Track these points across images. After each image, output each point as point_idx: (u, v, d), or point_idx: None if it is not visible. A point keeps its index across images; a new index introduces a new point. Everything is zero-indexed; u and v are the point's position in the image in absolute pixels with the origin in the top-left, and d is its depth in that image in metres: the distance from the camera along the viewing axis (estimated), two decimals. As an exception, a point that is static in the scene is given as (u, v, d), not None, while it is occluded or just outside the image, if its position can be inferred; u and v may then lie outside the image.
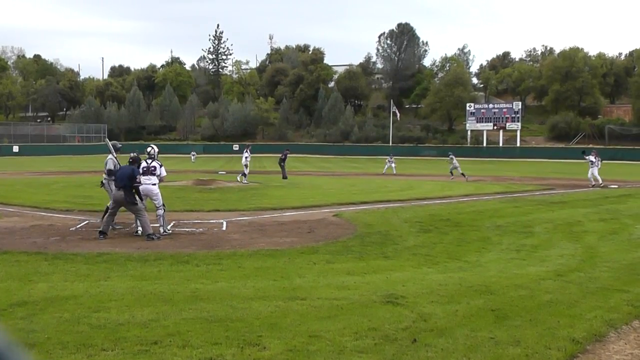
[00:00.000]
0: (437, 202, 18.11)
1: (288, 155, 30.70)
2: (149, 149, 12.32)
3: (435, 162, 52.19)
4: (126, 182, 11.15)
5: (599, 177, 25.66)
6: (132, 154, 12.06)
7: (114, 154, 12.67)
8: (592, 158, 25.92)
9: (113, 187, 12.59)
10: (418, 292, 7.03)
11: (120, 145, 13.35)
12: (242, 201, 17.88)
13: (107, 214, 11.53)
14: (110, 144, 12.90)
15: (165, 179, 12.87)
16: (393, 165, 35.50)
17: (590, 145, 62.94)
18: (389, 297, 6.73)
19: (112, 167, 12.48)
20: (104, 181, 12.66)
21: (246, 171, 25.99)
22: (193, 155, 53.54)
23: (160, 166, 12.19)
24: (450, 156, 31.45)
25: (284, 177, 28.46)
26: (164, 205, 11.91)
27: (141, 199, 11.42)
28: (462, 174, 30.07)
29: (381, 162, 51.39)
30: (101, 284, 7.30)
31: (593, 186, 25.14)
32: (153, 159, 12.07)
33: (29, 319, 5.82)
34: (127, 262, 8.74)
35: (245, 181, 25.33)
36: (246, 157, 26.09)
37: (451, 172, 30.73)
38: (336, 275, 8.06)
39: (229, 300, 6.54)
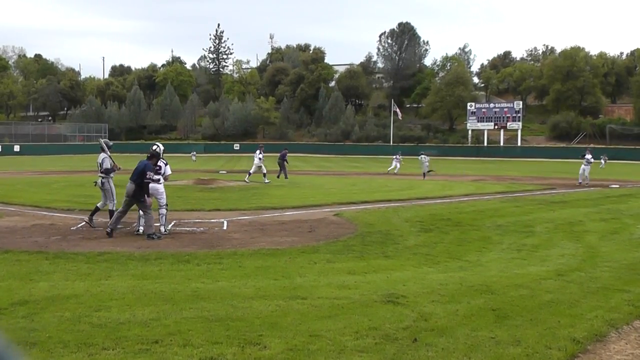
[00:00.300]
0: (438, 202, 18.12)
1: (287, 154, 30.71)
2: (154, 147, 12.30)
3: (436, 162, 52.06)
4: (137, 177, 11.16)
5: (584, 176, 26.18)
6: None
7: (108, 152, 12.63)
8: (589, 157, 26.20)
9: (112, 185, 12.56)
10: (419, 291, 7.03)
11: (112, 144, 13.29)
12: (243, 200, 17.89)
13: (117, 213, 11.46)
14: (102, 142, 12.85)
15: (169, 178, 12.89)
16: (398, 165, 35.39)
17: (591, 145, 63.02)
18: (390, 296, 6.73)
19: (109, 166, 12.45)
20: (102, 180, 12.54)
21: (256, 170, 25.88)
22: (193, 154, 53.56)
23: (166, 164, 12.21)
24: (422, 156, 31.45)
25: (285, 177, 28.46)
26: (166, 204, 11.92)
27: (148, 195, 11.38)
28: (424, 173, 30.72)
29: (383, 161, 51.44)
30: (102, 283, 7.30)
31: (580, 184, 25.69)
32: (158, 158, 12.07)
33: (30, 317, 5.83)
34: (128, 262, 8.74)
35: (247, 180, 25.29)
36: (260, 159, 26.03)
37: (424, 174, 30.89)
38: (337, 274, 8.06)
39: (230, 300, 6.54)
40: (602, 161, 44.95)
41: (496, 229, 12.56)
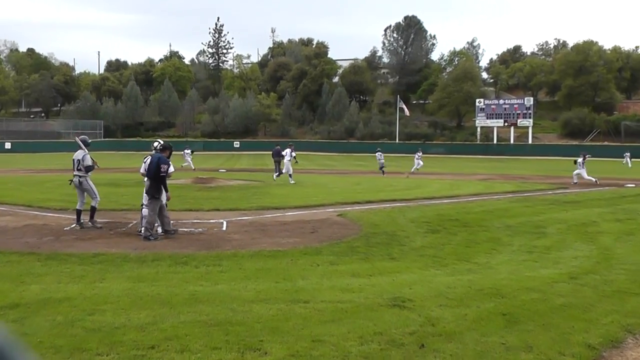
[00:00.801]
0: (445, 202, 18.09)
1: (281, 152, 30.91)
2: (155, 144, 12.29)
3: (443, 160, 52.17)
4: (153, 172, 11.14)
5: (576, 178, 26.72)
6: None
7: (86, 149, 12.58)
8: (579, 160, 26.53)
9: (91, 183, 12.51)
10: (426, 295, 7.01)
11: (90, 141, 13.22)
12: (243, 200, 17.89)
13: (158, 217, 11.45)
14: (79, 139, 12.79)
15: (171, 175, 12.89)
16: (421, 162, 35.30)
17: (606, 143, 62.85)
18: (396, 300, 6.71)
19: (91, 163, 12.42)
20: (80, 179, 12.42)
21: (290, 171, 25.94)
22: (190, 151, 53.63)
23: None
24: (379, 152, 33.29)
25: (279, 174, 28.68)
26: (165, 204, 11.90)
27: (166, 190, 11.36)
28: (382, 170, 32.28)
29: (388, 160, 51.23)
30: (96, 286, 7.29)
31: (575, 183, 25.97)
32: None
33: (21, 321, 5.82)
34: (123, 263, 8.73)
35: (292, 181, 25.38)
36: (294, 157, 26.04)
37: (382, 171, 32.44)
38: (340, 277, 8.04)
39: (229, 303, 6.53)
40: (627, 160, 44.68)
41: (506, 230, 12.52)
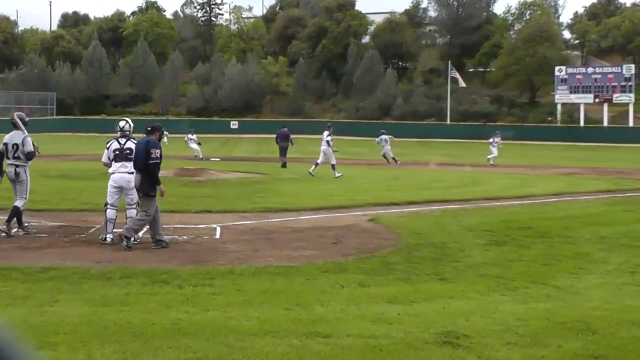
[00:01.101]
0: (515, 203, 18.09)
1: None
2: (122, 124, 12.33)
3: (511, 148, 51.87)
4: (142, 161, 11.28)
5: None
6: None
7: (25, 130, 12.59)
8: None
9: (29, 177, 12.53)
10: (487, 329, 6.98)
11: (28, 120, 13.21)
12: (243, 199, 17.98)
13: (150, 222, 11.55)
14: (17, 117, 12.73)
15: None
16: (495, 151, 35.15)
17: None
18: (447, 335, 6.69)
19: (32, 149, 12.41)
20: (18, 169, 12.31)
21: (324, 160, 25.93)
22: (165, 135, 54.21)
23: None
24: (383, 137, 33.38)
25: (284, 165, 29.00)
26: (138, 203, 11.96)
27: (159, 183, 11.44)
28: (394, 158, 32.91)
29: (435, 147, 51.28)
30: (45, 310, 7.34)
31: None
32: (128, 138, 12.09)
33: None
34: (82, 281, 8.76)
35: (312, 172, 25.53)
36: (328, 142, 25.72)
37: (387, 158, 33.24)
38: (372, 303, 8.03)
39: (224, 337, 6.54)
40: None
41: (599, 243, 12.44)
